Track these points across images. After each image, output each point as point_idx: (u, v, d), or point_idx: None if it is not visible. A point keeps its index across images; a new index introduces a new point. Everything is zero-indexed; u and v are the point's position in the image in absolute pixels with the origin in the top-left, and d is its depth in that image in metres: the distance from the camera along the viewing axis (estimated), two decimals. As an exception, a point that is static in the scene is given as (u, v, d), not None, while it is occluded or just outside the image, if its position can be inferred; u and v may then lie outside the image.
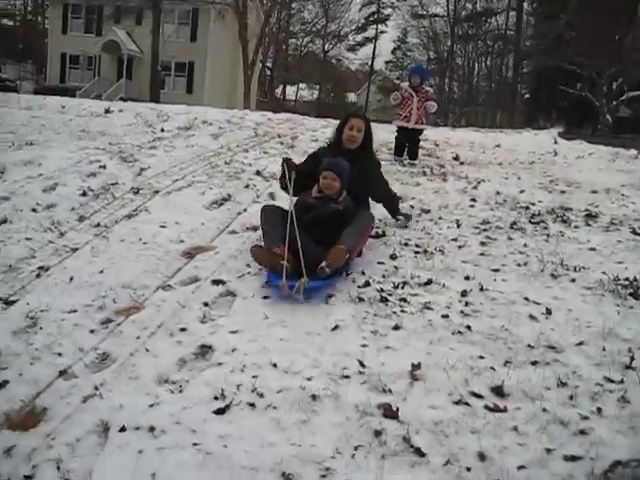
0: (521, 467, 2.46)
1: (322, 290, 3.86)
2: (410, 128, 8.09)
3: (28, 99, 12.14)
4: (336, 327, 3.49)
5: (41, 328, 3.52)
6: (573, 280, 4.17)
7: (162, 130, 8.59)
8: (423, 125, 8.27)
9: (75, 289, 3.98)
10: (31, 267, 4.32)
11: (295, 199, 4.34)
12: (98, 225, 5.07)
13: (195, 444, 2.59)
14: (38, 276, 4.18)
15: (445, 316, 3.62)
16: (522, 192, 6.57)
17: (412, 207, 5.83)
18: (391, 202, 5.24)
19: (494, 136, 10.99)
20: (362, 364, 3.13)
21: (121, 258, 4.42)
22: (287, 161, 4.48)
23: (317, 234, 4.06)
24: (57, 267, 4.31)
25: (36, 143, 7.55)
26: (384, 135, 9.23)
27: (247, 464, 2.48)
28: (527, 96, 41.56)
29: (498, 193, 6.48)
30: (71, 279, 4.10)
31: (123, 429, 2.68)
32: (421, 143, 8.45)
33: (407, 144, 8.18)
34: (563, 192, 6.73)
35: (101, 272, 4.19)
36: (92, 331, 3.51)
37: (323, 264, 3.79)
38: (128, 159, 6.92)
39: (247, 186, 6.21)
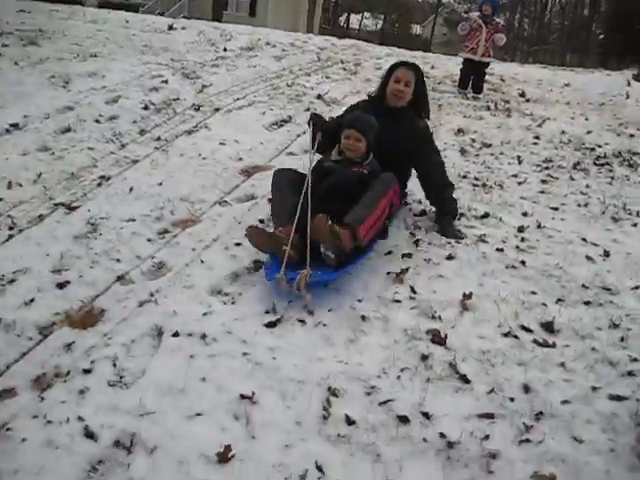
0: (565, 402, 2.47)
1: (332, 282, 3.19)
2: (476, 61, 7.86)
3: (93, 13, 12.12)
4: (389, 252, 3.50)
5: (101, 234, 3.63)
6: (635, 225, 4.08)
7: (225, 49, 8.53)
8: (490, 58, 8.02)
9: (134, 199, 4.06)
10: (92, 176, 4.41)
11: (315, 161, 3.63)
12: (158, 139, 5.13)
13: (245, 354, 2.67)
14: (99, 185, 4.27)
15: (500, 250, 3.59)
16: (589, 133, 6.37)
17: (473, 140, 5.72)
18: (438, 178, 3.93)
19: (563, 74, 10.61)
20: (413, 290, 3.15)
21: (180, 172, 4.48)
22: (314, 118, 3.73)
23: (334, 206, 3.24)
24: (117, 177, 4.40)
25: (100, 55, 7.58)
26: (449, 67, 9.02)
27: (295, 376, 2.55)
28: (601, 37, 39.75)
29: (563, 132, 6.30)
30: (131, 189, 4.18)
31: (176, 334, 2.77)
32: (486, 77, 8.21)
33: (472, 77, 7.96)
34: (632, 136, 6.50)
35: (160, 184, 4.27)
36: (149, 240, 3.60)
37: (322, 248, 3.10)
38: (190, 76, 6.91)
39: (308, 109, 6.16)
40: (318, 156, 3.70)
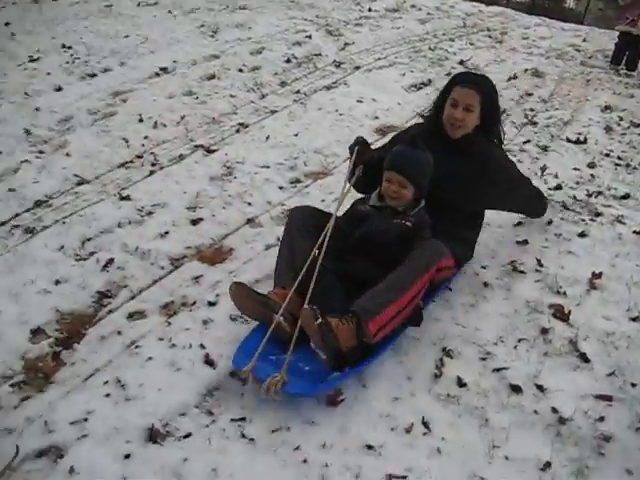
0: (694, 398, 2.35)
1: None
2: (635, 34, 7.36)
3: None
4: (519, 224, 3.42)
5: (235, 178, 3.76)
6: None
7: (369, 10, 8.47)
8: (651, 32, 7.48)
9: (270, 147, 4.17)
10: (232, 122, 4.56)
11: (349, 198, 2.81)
12: (298, 92, 5.20)
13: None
14: (237, 131, 4.42)
15: (638, 233, 3.42)
16: None
17: (621, 119, 5.42)
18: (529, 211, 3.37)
19: None
20: (540, 263, 3.06)
21: (316, 125, 4.54)
22: (359, 145, 2.79)
23: (362, 267, 2.51)
24: (255, 125, 4.53)
25: (248, 8, 7.74)
26: (602, 41, 8.55)
27: (410, 333, 2.55)
28: None
29: None
30: (267, 138, 4.30)
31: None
32: (644, 54, 7.68)
33: (627, 52, 7.47)
34: None
35: (296, 135, 4.36)
36: (281, 188, 3.70)
37: (312, 344, 2.27)
38: (333, 33, 6.94)
39: (449, 74, 6.02)
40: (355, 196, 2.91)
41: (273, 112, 4.78)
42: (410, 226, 2.55)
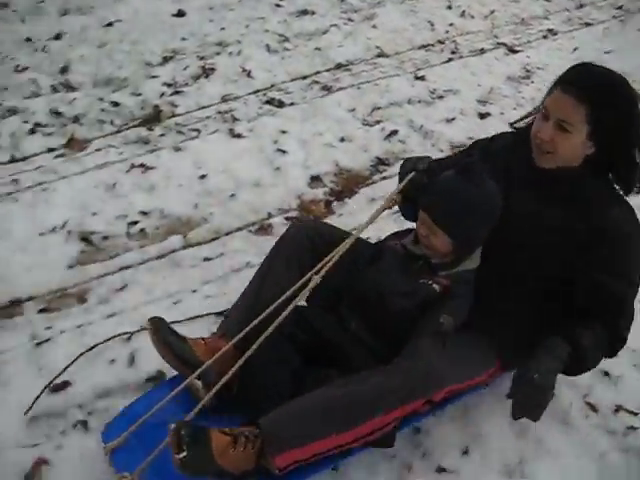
0: None
1: None
2: None
3: None
4: None
5: (532, 82, 3.71)
6: None
7: None
8: None
9: (575, 60, 3.79)
10: (541, 27, 4.39)
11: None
12: (620, 8, 4.73)
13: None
14: (545, 37, 4.26)
15: None
16: None
17: None
18: (601, 330, 1.59)
19: None
20: None
21: (633, 48, 4.11)
22: (417, 173, 1.81)
23: (350, 333, 1.74)
24: (565, 35, 4.37)
25: None
26: None
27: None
28: None
29: None
30: (574, 49, 4.17)
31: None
32: None
33: None
34: None
35: (607, 53, 4.07)
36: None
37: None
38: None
39: None
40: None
41: (587, 25, 4.48)
42: (437, 290, 1.68)
